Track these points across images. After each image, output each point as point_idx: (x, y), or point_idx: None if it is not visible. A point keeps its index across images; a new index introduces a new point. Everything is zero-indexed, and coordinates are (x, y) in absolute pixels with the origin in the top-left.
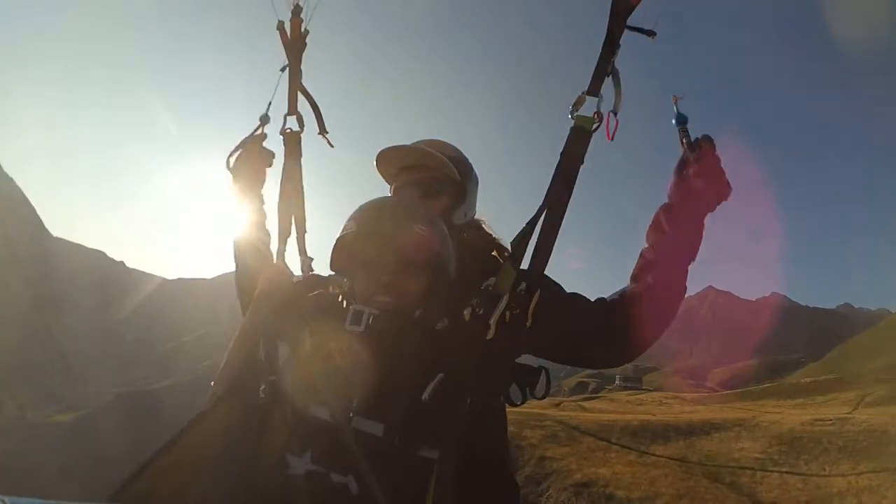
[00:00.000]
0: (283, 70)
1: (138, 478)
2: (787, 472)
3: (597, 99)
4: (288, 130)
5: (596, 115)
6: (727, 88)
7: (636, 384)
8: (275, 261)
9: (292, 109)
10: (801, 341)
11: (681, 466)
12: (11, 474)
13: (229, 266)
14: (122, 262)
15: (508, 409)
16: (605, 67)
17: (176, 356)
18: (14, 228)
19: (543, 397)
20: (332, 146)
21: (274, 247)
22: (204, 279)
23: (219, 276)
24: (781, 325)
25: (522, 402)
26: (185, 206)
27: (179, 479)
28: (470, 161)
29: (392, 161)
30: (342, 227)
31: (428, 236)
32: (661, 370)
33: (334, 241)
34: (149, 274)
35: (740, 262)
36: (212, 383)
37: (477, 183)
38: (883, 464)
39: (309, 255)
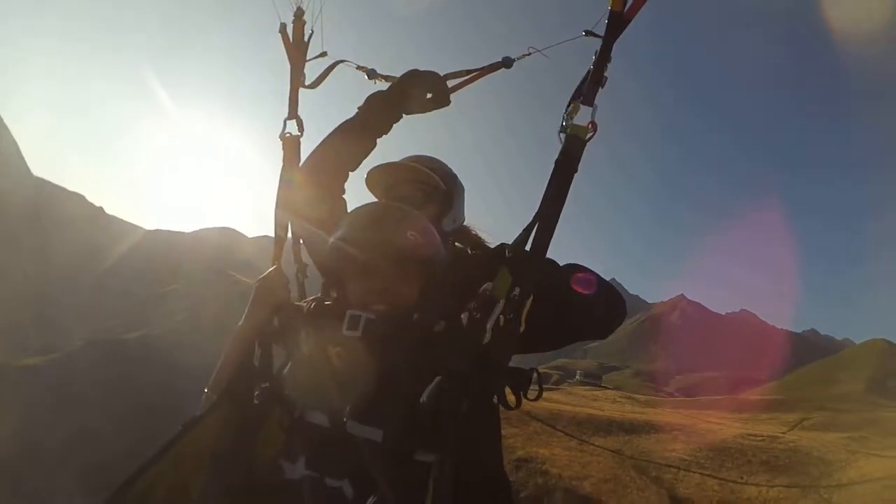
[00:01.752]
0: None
1: (133, 483)
2: (707, 475)
3: (591, 108)
4: (287, 135)
5: (590, 125)
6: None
7: (596, 381)
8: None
9: (292, 113)
10: (764, 360)
11: (614, 457)
12: None
13: (208, 222)
14: (101, 208)
15: None
16: (599, 77)
17: (150, 307)
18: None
19: (537, 399)
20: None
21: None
22: (182, 232)
23: (197, 231)
24: (747, 341)
25: (517, 406)
26: (168, 159)
27: (173, 485)
28: (454, 171)
29: (379, 180)
30: (332, 235)
31: (419, 241)
32: (623, 370)
33: (329, 246)
34: (128, 222)
35: (714, 276)
36: (205, 389)
37: (463, 191)
38: (796, 481)
39: (304, 261)
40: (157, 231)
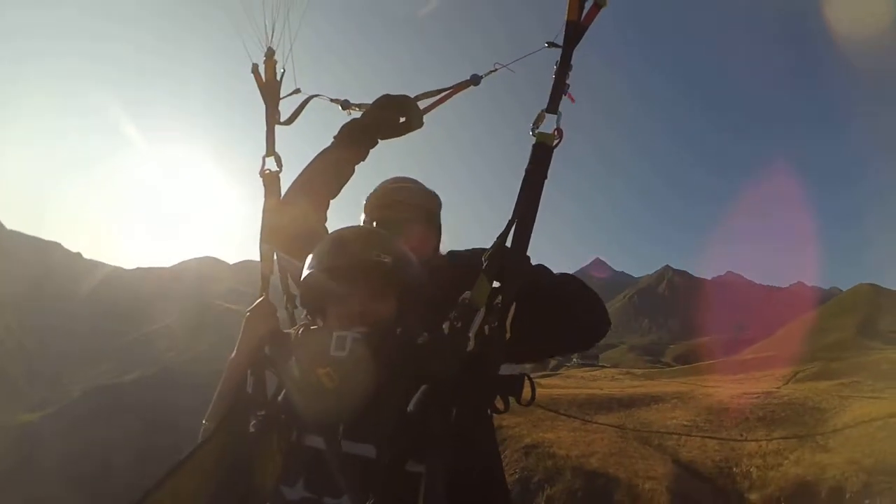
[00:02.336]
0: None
1: None
2: (707, 437)
3: (555, 116)
4: (266, 171)
5: (556, 132)
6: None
7: (593, 361)
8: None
9: (270, 150)
10: (755, 318)
11: (617, 432)
12: None
13: (187, 254)
14: (79, 254)
15: None
16: (561, 86)
17: (139, 348)
18: None
19: (530, 403)
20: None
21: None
22: (163, 268)
23: (177, 265)
24: (737, 302)
25: (505, 409)
26: (141, 197)
27: None
28: (432, 190)
29: (370, 206)
30: (305, 267)
31: (387, 261)
32: (618, 347)
33: (300, 282)
34: (108, 265)
35: (696, 242)
36: (203, 421)
37: (441, 206)
38: (793, 431)
39: (292, 292)
40: (137, 269)
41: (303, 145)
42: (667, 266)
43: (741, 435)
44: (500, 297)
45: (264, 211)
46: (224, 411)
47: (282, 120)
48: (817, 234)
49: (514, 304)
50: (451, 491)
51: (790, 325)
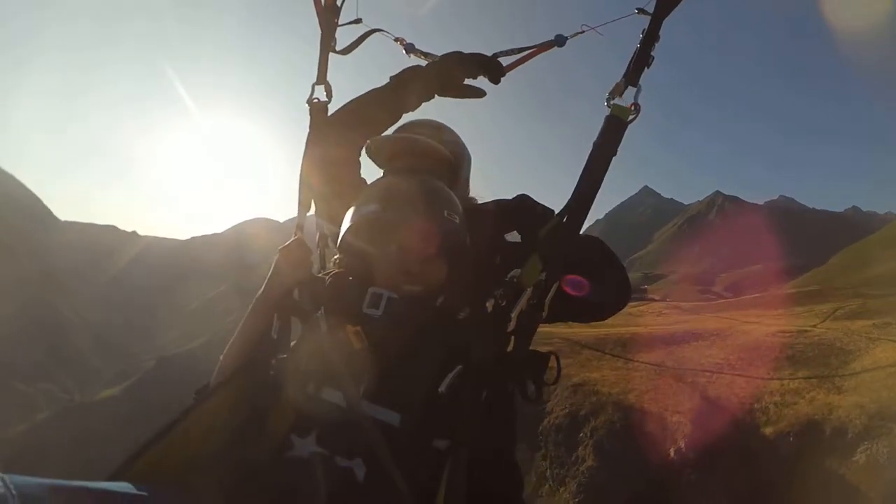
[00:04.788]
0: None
1: (141, 454)
2: (737, 375)
3: (635, 89)
4: (315, 100)
5: (633, 106)
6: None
7: (641, 294)
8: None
9: (321, 78)
10: (808, 245)
11: (655, 370)
12: (82, 457)
13: (238, 217)
14: (133, 232)
15: None
16: (645, 58)
17: (203, 315)
18: (23, 222)
19: (555, 382)
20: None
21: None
22: (216, 234)
23: (229, 229)
24: (789, 228)
25: (538, 398)
26: (191, 167)
27: (184, 455)
28: (461, 139)
29: (381, 150)
30: (359, 206)
31: (456, 224)
32: (668, 277)
33: (352, 221)
34: (161, 238)
35: (747, 167)
36: (220, 357)
37: (470, 162)
38: (816, 371)
39: (325, 232)
40: (192, 239)
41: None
42: (717, 192)
43: (767, 373)
44: (543, 275)
45: (307, 140)
46: (243, 351)
47: (338, 49)
48: (873, 156)
49: (557, 284)
50: (469, 468)
51: (841, 253)
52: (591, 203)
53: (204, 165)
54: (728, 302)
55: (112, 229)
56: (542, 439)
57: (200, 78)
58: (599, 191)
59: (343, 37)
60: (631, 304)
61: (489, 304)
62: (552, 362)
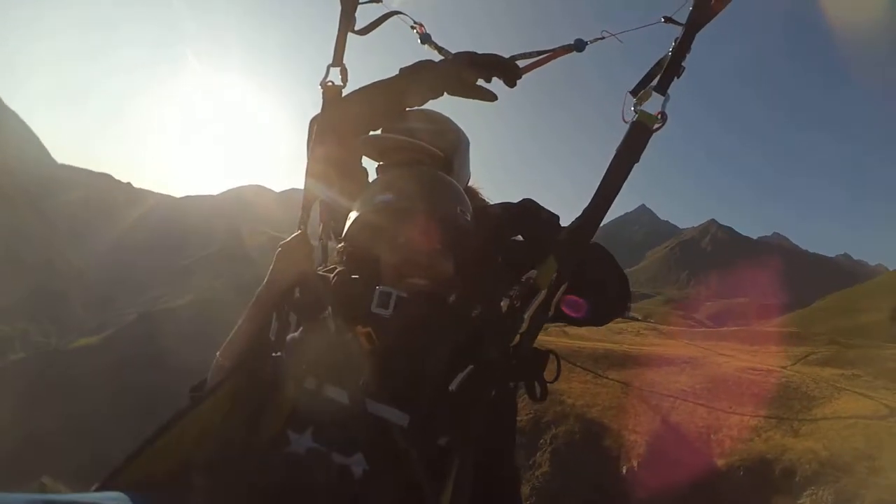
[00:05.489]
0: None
1: (136, 457)
2: (700, 404)
3: (663, 98)
4: (329, 83)
5: (660, 115)
6: None
7: (624, 311)
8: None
9: (338, 60)
10: (796, 286)
11: (622, 388)
12: (46, 404)
13: (234, 182)
14: (129, 183)
15: None
16: (676, 68)
17: (190, 274)
18: (19, 160)
19: (554, 381)
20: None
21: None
22: (210, 195)
23: (225, 192)
24: (779, 267)
25: (543, 397)
26: (190, 125)
27: (181, 456)
28: (456, 126)
29: (371, 148)
30: (371, 195)
31: (467, 219)
32: (654, 298)
33: (363, 209)
34: (156, 193)
35: (744, 200)
36: (217, 353)
37: (467, 148)
38: (776, 412)
39: (330, 223)
40: (186, 198)
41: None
42: (712, 220)
43: (730, 407)
44: (554, 276)
45: (317, 127)
46: (241, 351)
47: (356, 28)
48: (870, 207)
49: (566, 284)
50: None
51: (827, 299)
52: (607, 209)
53: (203, 124)
54: (707, 331)
55: (107, 177)
56: None
57: (211, 32)
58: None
59: (361, 17)
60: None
61: (504, 304)
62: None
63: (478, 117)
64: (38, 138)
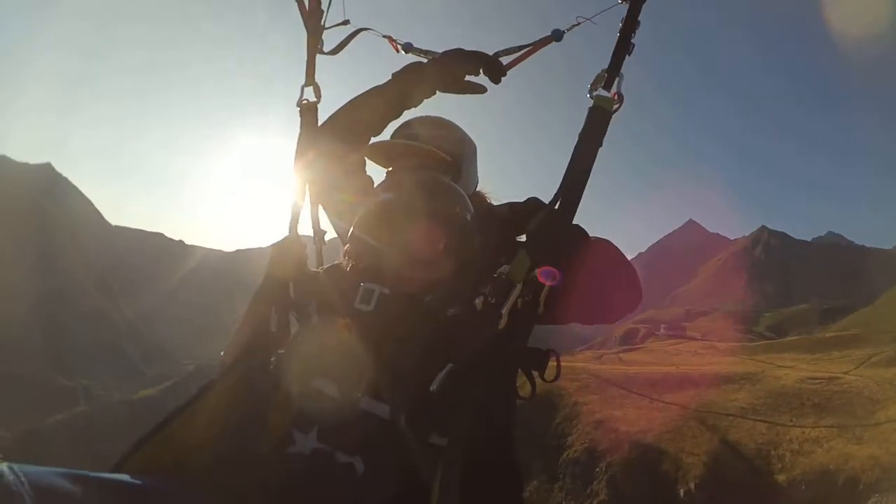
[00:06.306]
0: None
1: (139, 447)
2: (759, 420)
3: (617, 78)
4: (304, 102)
5: (616, 95)
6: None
7: (681, 332)
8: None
9: (310, 80)
10: (856, 284)
11: (679, 411)
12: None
13: (282, 231)
14: (181, 241)
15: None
16: (625, 46)
17: None
18: (76, 224)
19: (554, 380)
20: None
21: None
22: (261, 248)
23: (275, 244)
24: (837, 266)
25: (532, 396)
26: (233, 182)
27: (183, 449)
28: (463, 132)
29: (380, 153)
30: (375, 195)
31: (469, 220)
32: (710, 314)
33: (367, 208)
34: (208, 248)
35: (793, 202)
36: (221, 353)
37: (474, 154)
38: (840, 421)
39: (322, 228)
40: (237, 251)
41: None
42: (763, 227)
43: (791, 420)
44: (535, 270)
45: (298, 140)
46: (242, 346)
47: (325, 50)
48: None
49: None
50: (465, 466)
51: (889, 294)
52: (579, 195)
53: (247, 175)
54: (765, 344)
55: (159, 236)
56: (561, 471)
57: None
58: (585, 187)
59: (334, 38)
60: (669, 341)
61: (478, 301)
62: (552, 360)
63: (478, 123)
64: (91, 203)
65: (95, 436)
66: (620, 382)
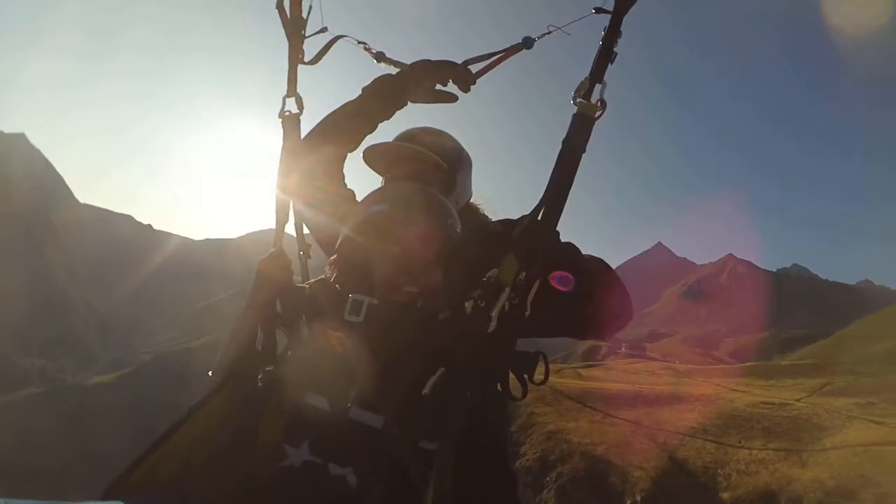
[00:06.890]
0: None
1: (135, 470)
2: (708, 440)
3: (600, 85)
4: (287, 113)
5: (599, 102)
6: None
7: (641, 352)
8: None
9: (291, 91)
10: (818, 316)
11: (631, 427)
12: (59, 437)
13: (254, 226)
14: (149, 225)
15: None
16: (608, 53)
17: (208, 315)
18: (44, 199)
19: (543, 383)
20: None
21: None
22: (230, 239)
23: (243, 236)
24: (801, 298)
25: (523, 396)
26: (208, 169)
27: (176, 469)
28: (460, 145)
29: (378, 157)
30: (365, 206)
31: (458, 231)
32: (672, 337)
33: (357, 219)
34: (177, 235)
35: (761, 233)
36: (209, 372)
37: (469, 165)
38: (786, 444)
39: (307, 242)
40: (205, 240)
41: (334, 96)
42: (730, 255)
43: (739, 441)
44: (523, 274)
45: (281, 154)
46: (231, 364)
47: (306, 60)
48: (890, 230)
49: (539, 281)
50: (457, 472)
51: (849, 327)
52: (563, 202)
53: (222, 167)
54: (723, 368)
55: (128, 219)
56: None
57: (230, 76)
58: (570, 191)
59: (315, 49)
60: (629, 360)
61: (468, 305)
62: (540, 362)
63: (462, 131)
64: (61, 177)
65: (42, 420)
66: (576, 396)
